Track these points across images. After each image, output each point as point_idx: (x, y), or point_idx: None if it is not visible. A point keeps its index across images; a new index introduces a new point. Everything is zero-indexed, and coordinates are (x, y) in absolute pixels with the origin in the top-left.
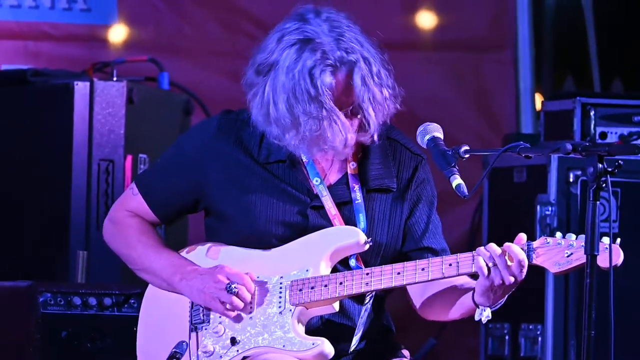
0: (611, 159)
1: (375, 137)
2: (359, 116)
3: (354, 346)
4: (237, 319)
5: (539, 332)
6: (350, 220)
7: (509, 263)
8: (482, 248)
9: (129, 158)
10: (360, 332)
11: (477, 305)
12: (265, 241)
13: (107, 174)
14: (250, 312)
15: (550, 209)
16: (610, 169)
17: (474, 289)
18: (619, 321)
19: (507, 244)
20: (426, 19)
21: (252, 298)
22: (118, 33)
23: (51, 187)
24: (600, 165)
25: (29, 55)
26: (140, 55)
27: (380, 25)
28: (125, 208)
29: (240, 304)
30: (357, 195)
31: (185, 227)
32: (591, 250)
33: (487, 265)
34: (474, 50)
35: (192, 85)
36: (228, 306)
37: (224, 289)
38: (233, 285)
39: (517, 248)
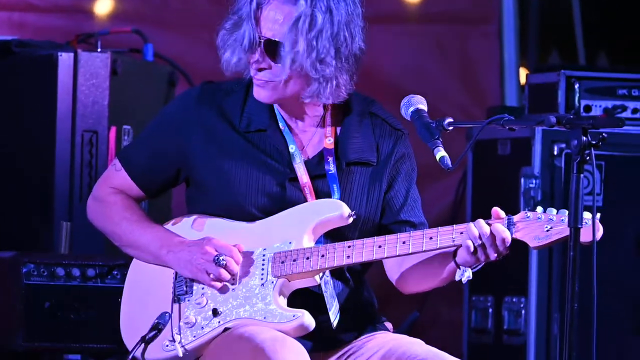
0: (595, 131)
1: (273, 80)
2: (271, 57)
3: (335, 321)
4: (221, 291)
5: (522, 305)
6: (322, 192)
7: (493, 241)
8: (472, 227)
9: (113, 129)
10: (334, 306)
11: (458, 267)
12: (245, 212)
13: (90, 145)
14: (234, 284)
15: (534, 181)
16: (594, 142)
17: (454, 254)
18: (602, 294)
19: (490, 221)
20: None
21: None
22: (103, 4)
23: (35, 159)
24: (584, 138)
25: (13, 26)
26: (124, 26)
27: None
28: (109, 185)
29: (228, 276)
30: (331, 167)
31: (168, 200)
32: (575, 222)
33: (473, 244)
34: (459, 23)
35: (177, 56)
36: (214, 278)
37: (211, 261)
38: (221, 257)
39: (500, 227)
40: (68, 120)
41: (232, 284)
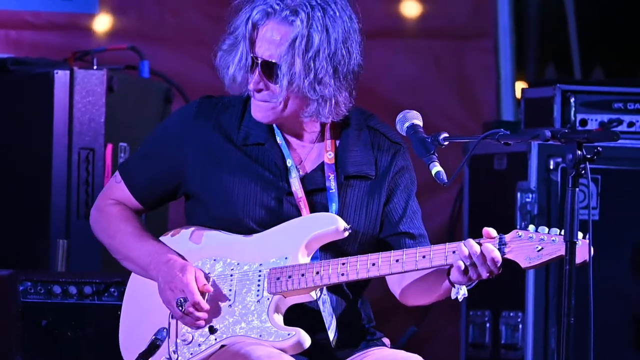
0: (590, 145)
1: (272, 102)
2: (271, 77)
3: (334, 340)
4: (217, 308)
5: (519, 320)
6: (320, 208)
7: (484, 261)
8: (462, 246)
9: (110, 147)
10: (332, 324)
11: (452, 285)
12: (243, 226)
13: (87, 163)
14: (230, 300)
15: (530, 196)
16: (589, 156)
17: (449, 269)
18: (599, 308)
19: (481, 240)
20: (408, 7)
21: (231, 284)
22: (99, 22)
23: (32, 176)
24: (579, 152)
25: (10, 44)
26: (121, 43)
27: (362, 13)
28: (109, 197)
29: (188, 322)
30: (332, 185)
31: (165, 212)
32: (570, 237)
33: (464, 263)
34: (455, 38)
35: (173, 73)
36: (177, 316)
37: (174, 300)
38: (184, 302)
39: (490, 246)
40: (64, 138)
41: (229, 300)
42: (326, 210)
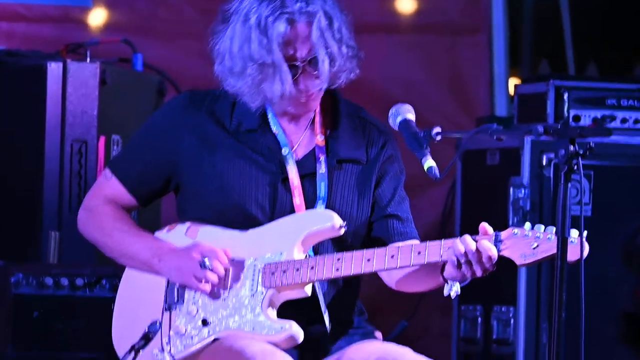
0: (583, 141)
1: (322, 89)
2: (315, 70)
3: (329, 328)
4: (211, 300)
5: (511, 315)
6: (310, 192)
7: (479, 258)
8: (458, 243)
9: (102, 139)
10: (326, 314)
11: (446, 281)
12: (240, 211)
13: (80, 155)
14: (224, 293)
15: (523, 191)
16: (581, 152)
17: (443, 265)
18: (590, 304)
19: (477, 237)
20: (402, 3)
21: (226, 278)
22: (93, 14)
23: (24, 168)
24: (572, 148)
25: (2, 36)
26: (114, 36)
27: (355, 8)
28: (99, 195)
29: (215, 278)
30: (322, 166)
31: (157, 209)
32: (562, 233)
33: (459, 260)
34: (449, 33)
35: (166, 66)
36: (203, 281)
37: (197, 265)
38: (206, 259)
39: (487, 244)
40: (57, 130)
41: (223, 293)
42: (314, 193)
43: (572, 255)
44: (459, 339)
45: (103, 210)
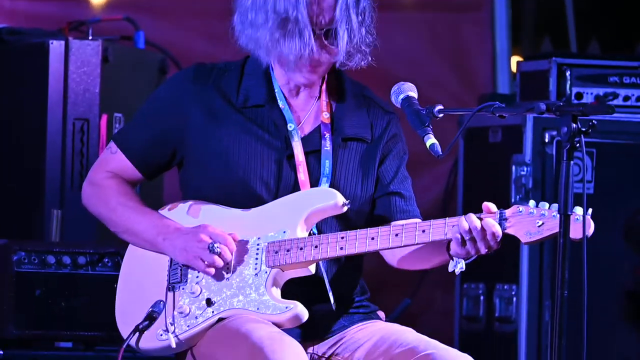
0: (585, 119)
1: (338, 63)
2: (331, 42)
3: (334, 306)
4: (215, 280)
5: (514, 293)
6: (315, 169)
7: (483, 235)
8: (462, 220)
9: (104, 117)
10: (332, 293)
11: (451, 257)
12: (242, 189)
13: (82, 133)
14: (228, 273)
15: (525, 169)
16: (584, 129)
17: (448, 242)
18: (592, 282)
19: (481, 215)
20: None
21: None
22: None
23: (26, 146)
24: (574, 125)
25: (4, 13)
26: (116, 14)
27: None
28: (104, 169)
29: (221, 263)
30: (327, 143)
31: (160, 186)
32: (564, 210)
33: (464, 237)
34: (451, 10)
35: (168, 44)
36: (208, 265)
37: (206, 248)
38: (215, 245)
39: (491, 221)
40: (59, 108)
41: (227, 273)
42: (319, 170)
43: (576, 233)
44: (461, 317)
45: (108, 184)
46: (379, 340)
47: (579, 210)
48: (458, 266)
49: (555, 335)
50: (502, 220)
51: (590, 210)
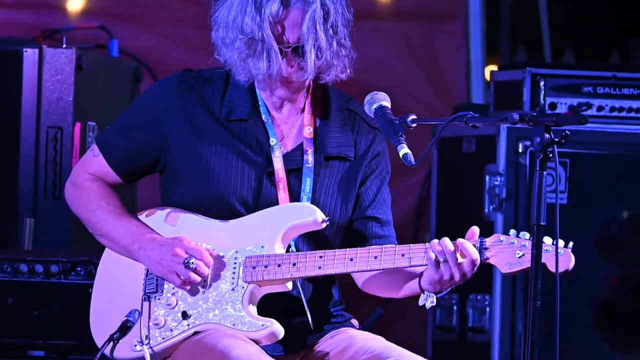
0: (559, 129)
1: (307, 80)
2: (300, 59)
3: (311, 321)
4: (191, 293)
5: (487, 303)
6: (295, 186)
7: (460, 260)
8: (435, 242)
9: (78, 125)
10: (308, 311)
11: (422, 291)
12: (223, 201)
13: (55, 142)
14: (205, 287)
15: (499, 179)
16: (557, 139)
17: (421, 274)
18: (565, 292)
19: (460, 240)
20: None
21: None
22: (70, 0)
23: None
24: (547, 136)
25: None
26: (90, 22)
27: None
28: (87, 171)
29: (197, 279)
30: (309, 159)
31: (134, 192)
32: (537, 220)
33: (437, 260)
34: (426, 20)
35: (142, 52)
36: (184, 280)
37: (181, 263)
38: (191, 261)
39: (470, 247)
40: (33, 117)
41: (203, 287)
42: (299, 187)
43: (561, 265)
44: (434, 327)
45: (89, 186)
46: (346, 347)
47: (548, 240)
48: (429, 300)
49: (528, 345)
50: (482, 249)
51: (570, 244)
